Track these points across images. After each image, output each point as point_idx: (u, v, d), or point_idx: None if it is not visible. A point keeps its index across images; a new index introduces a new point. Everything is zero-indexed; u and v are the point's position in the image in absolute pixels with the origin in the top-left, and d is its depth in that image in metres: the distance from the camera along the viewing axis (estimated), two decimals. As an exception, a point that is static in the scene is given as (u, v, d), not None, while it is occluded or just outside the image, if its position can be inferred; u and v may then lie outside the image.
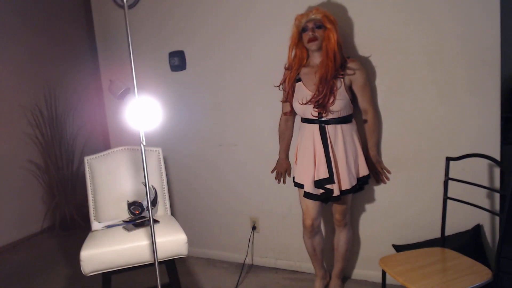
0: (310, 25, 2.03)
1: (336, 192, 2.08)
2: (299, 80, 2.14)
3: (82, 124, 4.05)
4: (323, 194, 2.11)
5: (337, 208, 2.24)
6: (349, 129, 2.12)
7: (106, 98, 3.23)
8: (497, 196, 2.14)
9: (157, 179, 2.44)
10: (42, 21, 3.89)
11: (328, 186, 2.08)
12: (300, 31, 2.08)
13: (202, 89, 2.82)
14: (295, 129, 2.39)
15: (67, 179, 3.85)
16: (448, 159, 1.95)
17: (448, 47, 2.12)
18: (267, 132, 2.62)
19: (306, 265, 2.67)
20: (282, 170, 2.51)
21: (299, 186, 2.20)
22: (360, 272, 2.53)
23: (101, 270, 1.97)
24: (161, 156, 2.48)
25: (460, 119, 2.16)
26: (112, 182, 2.39)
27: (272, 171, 2.56)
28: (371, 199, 2.43)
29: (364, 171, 2.18)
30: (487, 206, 2.12)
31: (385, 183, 2.33)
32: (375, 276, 2.44)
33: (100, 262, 1.95)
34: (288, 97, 2.20)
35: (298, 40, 2.10)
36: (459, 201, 1.91)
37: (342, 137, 2.09)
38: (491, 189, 2.04)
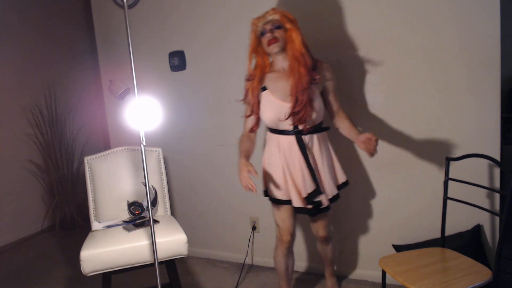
0: (268, 27, 1.87)
1: (325, 203, 1.96)
2: (264, 88, 1.96)
3: (82, 124, 4.05)
4: (314, 209, 1.96)
5: (320, 224, 2.10)
6: (322, 136, 2.00)
7: (106, 98, 3.23)
8: (497, 196, 2.14)
9: (157, 179, 2.44)
10: (42, 21, 3.89)
11: (317, 199, 1.95)
12: (259, 35, 1.91)
13: (202, 89, 2.82)
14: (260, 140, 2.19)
15: (67, 179, 3.85)
16: (448, 159, 1.96)
17: (448, 47, 2.12)
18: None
19: (306, 265, 2.67)
20: (245, 172, 1.85)
21: (276, 202, 2.01)
22: (360, 272, 2.53)
23: (101, 270, 1.97)
24: (161, 156, 2.48)
25: (460, 119, 2.16)
26: (112, 182, 2.39)
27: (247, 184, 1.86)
28: (371, 199, 2.43)
29: (342, 178, 2.08)
30: (487, 206, 2.12)
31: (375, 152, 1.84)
32: (375, 276, 2.44)
33: (100, 262, 1.95)
34: (254, 110, 1.99)
35: (257, 46, 1.93)
36: (459, 201, 1.91)
37: (319, 146, 1.96)
38: (491, 189, 2.04)
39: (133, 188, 2.40)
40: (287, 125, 1.90)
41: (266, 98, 1.94)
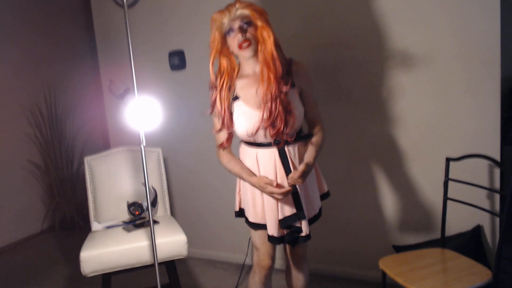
0: (237, 24, 1.56)
1: (305, 231, 1.64)
2: (236, 98, 1.65)
3: (82, 124, 4.05)
4: (289, 235, 1.66)
5: (298, 247, 1.80)
6: (303, 145, 1.69)
7: (106, 98, 3.23)
8: (497, 196, 2.14)
9: (157, 180, 2.44)
10: (42, 21, 3.89)
11: (297, 224, 1.65)
12: (224, 34, 1.60)
13: (202, 89, 2.81)
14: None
15: (67, 179, 3.85)
16: (448, 160, 1.95)
17: (448, 47, 2.12)
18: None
19: (306, 265, 2.67)
20: (269, 187, 1.60)
21: (254, 226, 1.75)
22: (360, 272, 2.53)
23: (101, 271, 1.98)
24: (161, 157, 2.48)
25: (460, 119, 2.16)
26: (112, 183, 2.39)
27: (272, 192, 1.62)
28: (371, 200, 2.43)
29: (324, 187, 1.83)
30: (487, 207, 2.12)
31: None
32: (375, 276, 2.44)
33: (100, 263, 1.95)
34: (226, 123, 1.65)
35: (222, 46, 1.62)
36: (459, 202, 1.91)
37: (300, 158, 1.67)
38: (491, 190, 2.04)
39: (133, 189, 2.40)
40: (266, 136, 1.61)
41: (240, 109, 1.64)
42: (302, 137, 1.69)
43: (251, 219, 1.75)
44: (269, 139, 1.62)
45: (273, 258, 1.80)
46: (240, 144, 1.78)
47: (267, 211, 1.66)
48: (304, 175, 1.55)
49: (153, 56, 2.90)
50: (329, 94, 2.40)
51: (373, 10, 2.24)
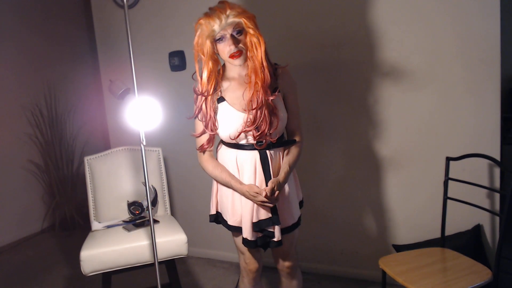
0: (228, 33, 1.52)
1: (277, 236, 1.61)
2: (221, 99, 1.65)
3: (82, 124, 4.05)
4: (261, 239, 1.64)
5: (282, 253, 1.76)
6: (283, 151, 1.68)
7: (106, 98, 3.23)
8: (497, 196, 2.14)
9: (157, 179, 2.44)
10: (42, 21, 3.89)
11: (270, 229, 1.62)
12: (213, 41, 1.56)
13: (202, 89, 2.81)
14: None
15: (67, 179, 3.85)
16: (448, 159, 1.96)
17: (448, 46, 2.12)
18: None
19: (306, 264, 2.67)
20: (256, 191, 1.57)
21: (234, 229, 1.72)
22: (360, 272, 2.53)
23: (101, 270, 1.98)
24: (161, 156, 2.48)
25: (460, 119, 2.16)
26: (112, 182, 2.39)
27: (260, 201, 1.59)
28: (371, 199, 2.43)
29: (300, 195, 1.81)
30: (487, 206, 2.12)
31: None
32: (375, 276, 2.44)
33: (100, 262, 1.95)
34: (210, 126, 1.64)
35: (213, 53, 1.59)
36: (459, 201, 1.92)
37: (280, 163, 1.66)
38: (491, 189, 2.04)
39: (133, 188, 2.40)
40: (248, 139, 1.60)
41: (224, 111, 1.63)
42: (283, 143, 1.66)
43: (230, 223, 1.71)
44: (251, 141, 1.61)
45: (259, 261, 1.78)
46: (219, 146, 1.75)
47: (243, 213, 1.64)
48: (273, 192, 1.55)
49: (153, 56, 2.90)
50: (328, 94, 2.40)
51: (373, 11, 2.24)
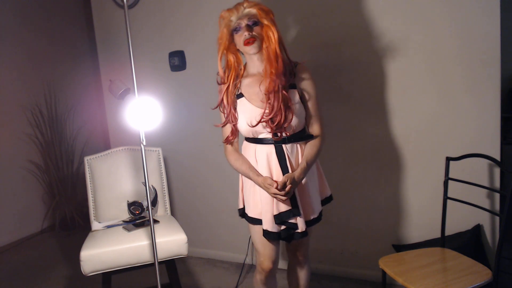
0: (244, 22, 1.63)
1: (301, 227, 1.66)
2: (240, 95, 1.72)
3: (82, 124, 4.05)
4: (285, 231, 1.68)
5: (298, 245, 1.83)
6: (302, 147, 1.73)
7: (106, 98, 3.23)
8: (497, 196, 2.14)
9: (157, 179, 2.44)
10: (42, 21, 3.89)
11: (292, 221, 1.67)
12: (231, 31, 1.67)
13: (202, 89, 2.81)
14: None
15: (67, 179, 3.86)
16: (448, 159, 1.96)
17: (448, 47, 2.12)
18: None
19: (306, 265, 2.67)
20: (269, 183, 1.62)
21: (254, 221, 1.77)
22: (360, 272, 2.53)
23: (101, 270, 1.97)
24: (161, 156, 2.48)
25: (460, 119, 2.16)
26: (112, 182, 2.39)
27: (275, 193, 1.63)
28: (370, 199, 2.43)
29: (326, 191, 1.86)
30: (487, 206, 2.12)
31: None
32: (375, 276, 2.44)
33: (100, 262, 1.95)
34: (230, 118, 1.72)
35: (230, 43, 1.69)
36: (459, 201, 1.92)
37: (300, 157, 1.71)
38: (491, 189, 2.04)
39: (133, 188, 2.40)
40: (266, 133, 1.68)
41: (243, 106, 1.71)
42: (299, 138, 1.71)
43: (250, 214, 1.78)
44: (269, 136, 1.67)
45: (274, 262, 1.80)
46: (243, 141, 1.83)
47: (263, 205, 1.70)
48: (284, 185, 1.59)
49: (153, 56, 2.90)
50: (329, 95, 2.40)
51: (373, 10, 2.24)
